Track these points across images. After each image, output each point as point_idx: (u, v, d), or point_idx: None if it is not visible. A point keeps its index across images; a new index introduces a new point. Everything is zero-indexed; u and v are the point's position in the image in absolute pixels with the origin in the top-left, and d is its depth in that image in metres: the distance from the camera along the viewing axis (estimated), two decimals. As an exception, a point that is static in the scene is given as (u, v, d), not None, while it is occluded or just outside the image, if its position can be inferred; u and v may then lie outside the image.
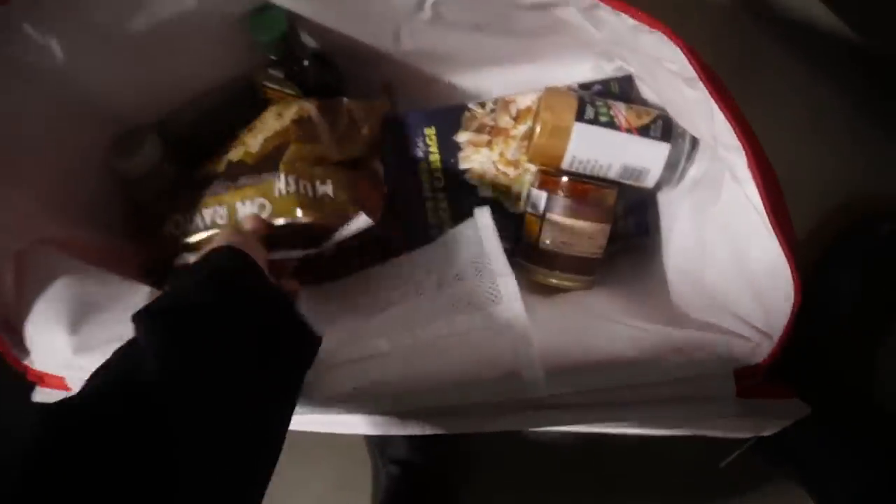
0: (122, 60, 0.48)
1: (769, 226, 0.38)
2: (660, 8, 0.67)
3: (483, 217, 0.51)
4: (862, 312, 0.65)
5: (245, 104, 0.59)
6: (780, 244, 0.37)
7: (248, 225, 0.52)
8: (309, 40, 0.58)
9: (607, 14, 0.40)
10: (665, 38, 0.38)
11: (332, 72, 0.61)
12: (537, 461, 0.71)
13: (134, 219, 0.59)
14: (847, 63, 0.70)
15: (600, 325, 0.44)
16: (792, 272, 0.37)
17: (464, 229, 0.54)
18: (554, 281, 0.58)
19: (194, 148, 0.59)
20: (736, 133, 0.37)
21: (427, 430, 0.44)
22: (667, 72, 0.42)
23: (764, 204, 0.37)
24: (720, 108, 0.38)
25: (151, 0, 0.44)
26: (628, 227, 0.62)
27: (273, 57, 0.55)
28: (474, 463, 0.72)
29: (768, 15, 0.70)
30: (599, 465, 0.70)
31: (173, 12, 0.45)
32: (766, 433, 0.43)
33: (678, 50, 0.38)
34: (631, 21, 0.39)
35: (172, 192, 0.58)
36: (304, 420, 0.44)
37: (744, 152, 0.38)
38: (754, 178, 0.38)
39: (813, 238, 0.69)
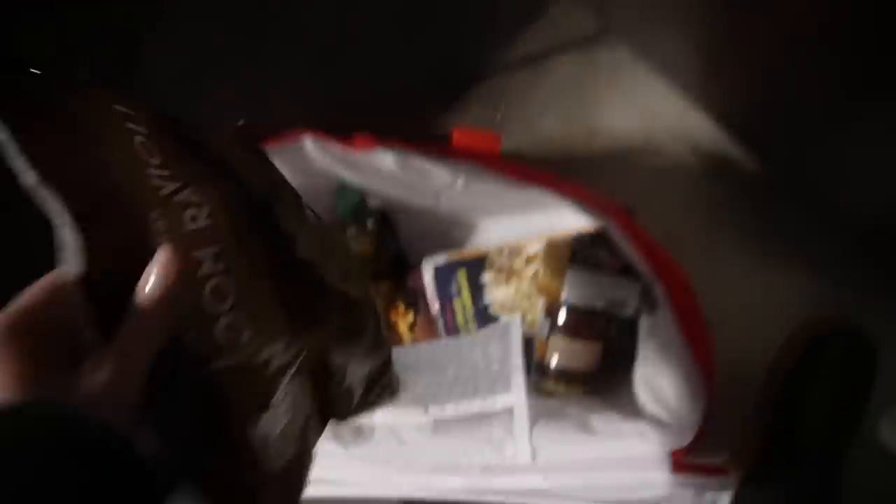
0: None
1: (686, 347, 0.53)
2: (639, 175, 0.86)
3: (515, 324, 0.68)
4: (827, 421, 0.77)
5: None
6: (694, 361, 0.52)
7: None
8: (374, 201, 0.78)
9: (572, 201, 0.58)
10: (611, 222, 0.55)
11: (389, 224, 0.80)
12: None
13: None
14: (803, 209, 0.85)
15: (576, 413, 0.59)
16: (703, 381, 0.52)
17: (496, 331, 0.70)
18: (561, 390, 0.73)
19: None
20: (661, 285, 0.54)
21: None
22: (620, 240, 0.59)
23: (680, 332, 0.53)
24: (645, 264, 0.54)
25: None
26: (622, 344, 0.77)
27: (351, 218, 0.75)
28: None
29: (732, 177, 0.87)
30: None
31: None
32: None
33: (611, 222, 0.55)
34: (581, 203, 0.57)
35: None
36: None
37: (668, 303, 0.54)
38: (673, 317, 0.53)
39: (785, 351, 0.82)
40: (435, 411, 0.57)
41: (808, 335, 0.82)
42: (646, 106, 0.86)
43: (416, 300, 0.82)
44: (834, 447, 0.77)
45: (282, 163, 0.62)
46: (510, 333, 0.65)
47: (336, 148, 0.59)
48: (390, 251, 0.82)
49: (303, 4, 0.81)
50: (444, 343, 0.74)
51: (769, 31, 0.64)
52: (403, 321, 0.82)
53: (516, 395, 0.57)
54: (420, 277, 0.80)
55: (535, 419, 0.56)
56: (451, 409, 0.58)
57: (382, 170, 0.64)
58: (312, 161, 0.63)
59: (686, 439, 0.53)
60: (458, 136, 0.58)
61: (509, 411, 0.56)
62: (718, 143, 0.86)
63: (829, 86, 0.82)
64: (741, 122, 0.85)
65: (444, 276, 0.78)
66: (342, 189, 0.70)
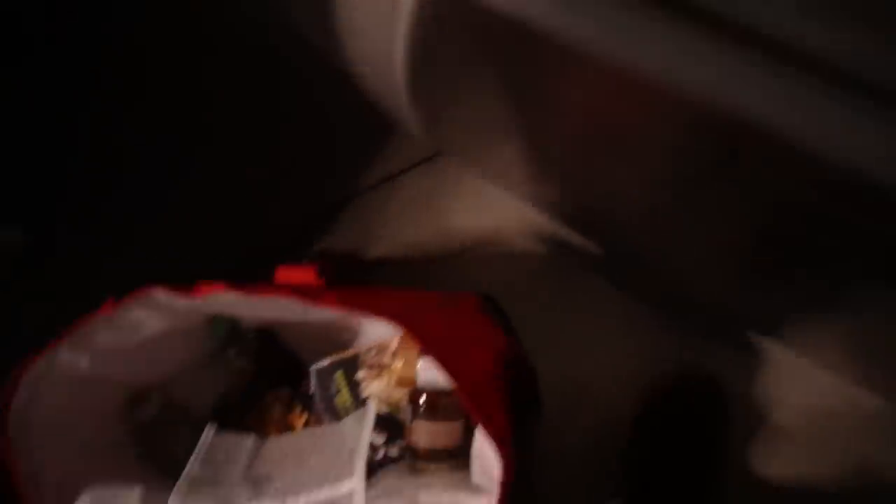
0: (124, 359, 0.77)
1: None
2: (493, 266, 0.97)
3: (368, 410, 0.78)
4: (680, 470, 0.86)
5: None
6: (489, 438, 0.62)
7: None
8: (249, 322, 0.89)
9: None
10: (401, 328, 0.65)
11: (272, 339, 0.92)
12: None
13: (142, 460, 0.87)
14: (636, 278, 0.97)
15: (409, 491, 0.68)
16: (498, 458, 0.62)
17: (355, 417, 0.81)
18: (431, 467, 0.82)
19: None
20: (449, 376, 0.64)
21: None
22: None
23: (472, 414, 0.63)
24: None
25: (140, 328, 0.75)
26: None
27: (227, 342, 0.86)
28: None
29: (573, 260, 0.99)
30: None
31: (155, 332, 0.77)
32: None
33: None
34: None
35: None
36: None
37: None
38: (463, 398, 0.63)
39: (642, 404, 0.91)
40: (291, 502, 0.67)
41: (657, 389, 0.92)
42: (490, 207, 0.99)
43: (310, 402, 0.93)
44: (685, 498, 0.85)
45: (148, 311, 0.74)
46: (364, 419, 0.75)
47: (182, 297, 0.70)
48: (279, 363, 0.93)
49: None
50: (311, 431, 0.84)
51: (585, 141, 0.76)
52: (299, 422, 0.92)
53: (357, 479, 0.67)
54: (308, 381, 0.90)
55: (371, 501, 0.66)
56: (303, 500, 0.68)
57: (237, 305, 0.75)
58: (174, 306, 0.74)
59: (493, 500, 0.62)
60: (281, 273, 0.69)
61: (350, 495, 0.66)
62: (557, 234, 0.98)
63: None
64: (572, 216, 0.97)
65: (324, 378, 0.89)
66: (214, 318, 0.82)
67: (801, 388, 0.89)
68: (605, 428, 0.92)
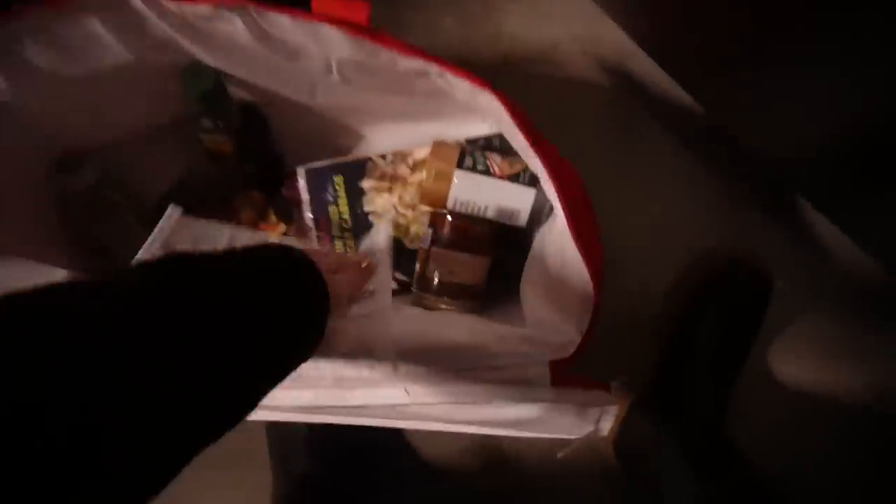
0: (61, 97, 0.56)
1: (577, 250, 0.46)
2: (544, 86, 0.79)
3: (384, 229, 0.61)
4: (720, 351, 0.74)
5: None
6: (586, 267, 0.46)
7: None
8: (239, 92, 0.68)
9: (451, 77, 0.50)
10: (491, 95, 0.47)
11: (257, 121, 0.71)
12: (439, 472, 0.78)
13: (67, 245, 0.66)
14: (709, 136, 0.81)
15: (451, 319, 0.52)
16: (592, 289, 0.46)
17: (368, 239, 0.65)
18: (442, 306, 0.66)
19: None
20: (548, 177, 0.47)
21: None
22: (507, 126, 0.51)
23: (571, 233, 0.46)
24: (535, 155, 0.47)
25: (90, 51, 0.53)
26: (513, 261, 0.71)
27: (204, 107, 0.64)
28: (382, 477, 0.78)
29: (640, 94, 0.81)
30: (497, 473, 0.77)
31: (111, 64, 0.55)
32: (581, 435, 0.50)
33: (501, 106, 0.47)
34: (466, 83, 0.49)
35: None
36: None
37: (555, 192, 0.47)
38: (563, 210, 0.47)
39: (684, 279, 0.78)
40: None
41: (706, 266, 0.78)
42: (552, 16, 0.79)
43: (290, 210, 0.74)
44: (720, 380, 0.74)
45: (108, 22, 0.52)
46: (379, 238, 0.58)
47: (170, 4, 0.49)
48: (262, 153, 0.73)
49: None
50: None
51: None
52: (275, 232, 0.73)
53: (381, 296, 0.50)
54: (294, 184, 0.71)
55: (403, 323, 0.49)
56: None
57: (238, 43, 0.54)
58: (151, 28, 0.52)
59: (571, 349, 0.47)
60: (318, 3, 0.48)
61: (370, 317, 0.49)
62: (629, 57, 0.79)
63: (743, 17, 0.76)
64: (653, 37, 0.79)
65: (318, 182, 0.69)
66: (194, 68, 0.60)
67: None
68: (637, 295, 0.78)
